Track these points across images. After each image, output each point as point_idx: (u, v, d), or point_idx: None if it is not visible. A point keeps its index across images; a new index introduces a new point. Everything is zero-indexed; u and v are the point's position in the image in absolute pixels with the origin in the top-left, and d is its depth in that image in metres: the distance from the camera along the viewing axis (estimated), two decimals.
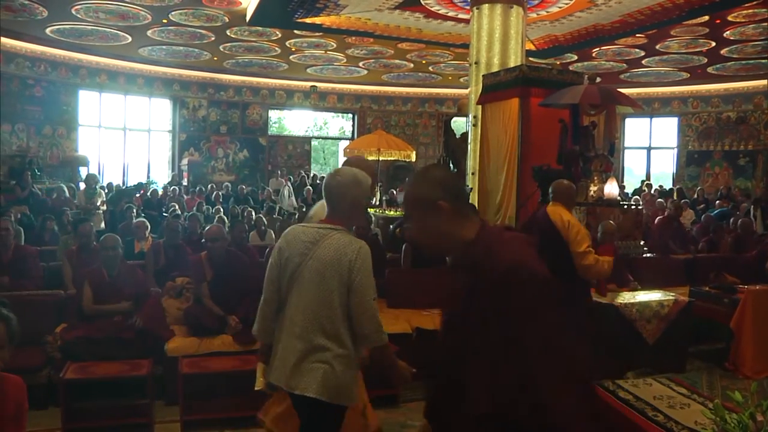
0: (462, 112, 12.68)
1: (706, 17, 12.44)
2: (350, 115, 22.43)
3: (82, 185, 13.13)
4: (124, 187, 15.04)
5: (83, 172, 15.74)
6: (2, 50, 14.69)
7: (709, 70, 17.22)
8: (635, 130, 21.34)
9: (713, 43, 14.49)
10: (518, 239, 2.01)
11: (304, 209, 12.17)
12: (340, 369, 2.67)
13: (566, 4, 12.02)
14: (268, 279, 2.81)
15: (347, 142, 20.08)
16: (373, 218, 10.50)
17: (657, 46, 15.08)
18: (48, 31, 14.45)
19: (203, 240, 5.65)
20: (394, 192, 16.24)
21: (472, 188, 10.19)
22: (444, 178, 2.02)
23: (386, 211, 12.16)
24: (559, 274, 4.46)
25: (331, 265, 2.66)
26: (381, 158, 15.84)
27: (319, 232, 2.75)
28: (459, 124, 13.48)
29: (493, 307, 1.83)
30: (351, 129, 22.55)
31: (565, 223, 4.49)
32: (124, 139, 18.74)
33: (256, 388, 3.13)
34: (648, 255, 7.45)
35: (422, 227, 1.99)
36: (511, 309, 1.82)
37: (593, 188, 7.58)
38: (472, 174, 10.31)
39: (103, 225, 10.00)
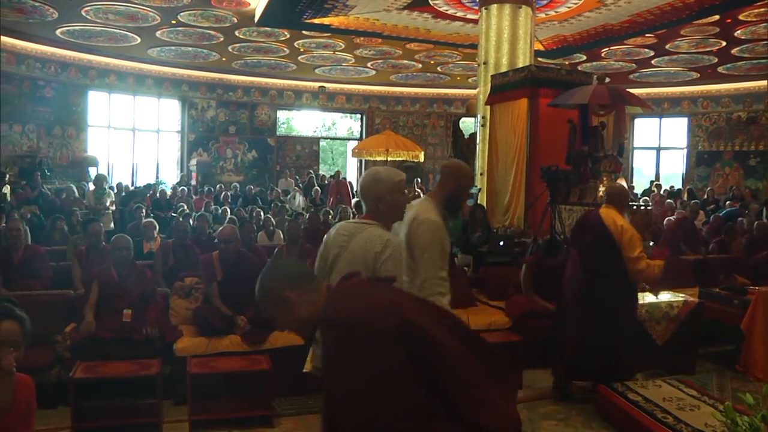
0: (470, 113, 12.66)
1: (717, 16, 12.36)
2: (358, 116, 22.45)
3: (91, 185, 13.20)
4: (134, 188, 15.09)
5: (92, 172, 15.81)
6: (13, 52, 14.84)
7: (720, 69, 17.13)
8: (644, 130, 21.25)
9: (724, 43, 14.40)
10: (353, 287, 2.06)
11: (312, 209, 12.19)
12: None
13: (575, 4, 11.99)
14: (317, 269, 3.00)
15: (355, 143, 20.08)
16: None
17: (667, 46, 15.01)
18: (58, 32, 14.53)
19: (216, 240, 5.66)
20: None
21: (480, 189, 10.18)
22: (285, 268, 2.11)
23: None
24: (609, 275, 4.52)
25: (359, 257, 2.80)
26: (389, 159, 15.87)
27: (355, 226, 2.95)
28: (467, 124, 13.48)
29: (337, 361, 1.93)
30: (359, 129, 22.56)
31: (619, 228, 4.61)
32: (133, 139, 18.82)
33: (304, 370, 3.23)
34: None
35: (282, 320, 2.07)
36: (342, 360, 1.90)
37: (602, 189, 7.55)
38: (481, 174, 10.29)
39: (112, 225, 10.04)
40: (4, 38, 14.34)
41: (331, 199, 16.12)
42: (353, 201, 15.60)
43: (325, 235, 3.06)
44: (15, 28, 14.09)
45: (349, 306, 1.94)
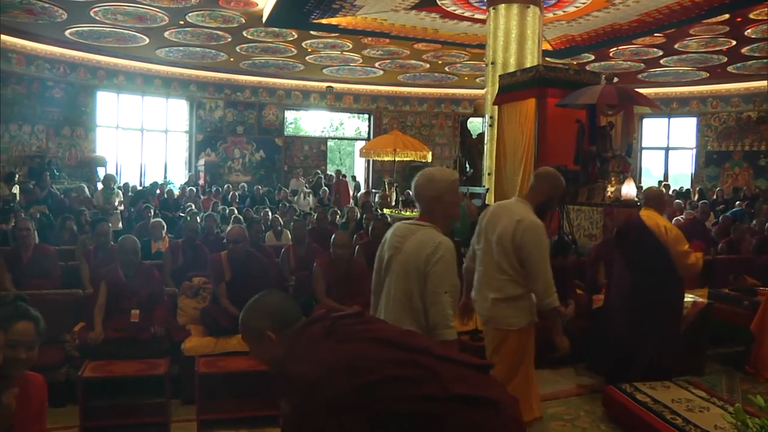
0: (478, 113, 12.65)
1: (727, 15, 12.29)
2: (366, 116, 22.46)
3: (100, 185, 13.26)
4: (142, 188, 15.14)
5: (101, 172, 15.89)
6: (23, 53, 14.93)
7: (729, 69, 17.03)
8: (653, 130, 21.17)
9: (734, 42, 14.32)
10: (315, 342, 2.00)
11: (320, 209, 12.18)
12: None
13: (583, 3, 11.95)
14: (375, 270, 3.08)
15: (363, 143, 20.08)
16: (389, 219, 10.50)
17: (675, 46, 14.94)
18: (67, 33, 14.61)
19: (225, 240, 5.66)
20: (410, 193, 16.24)
21: (488, 189, 10.16)
22: (271, 306, 2.11)
23: (402, 212, 12.15)
24: (656, 275, 4.65)
25: (412, 258, 2.84)
26: (397, 159, 15.85)
27: (409, 228, 2.96)
28: (475, 124, 13.45)
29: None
30: (367, 129, 22.57)
31: (662, 228, 4.74)
32: (142, 139, 18.89)
33: None
34: None
35: (257, 353, 2.11)
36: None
37: (610, 189, 7.53)
38: (489, 174, 10.28)
39: (120, 225, 10.08)
40: (13, 39, 14.47)
41: (331, 198, 16.14)
42: (359, 197, 15.64)
43: (384, 237, 3.11)
44: (24, 29, 14.18)
45: (300, 370, 1.91)
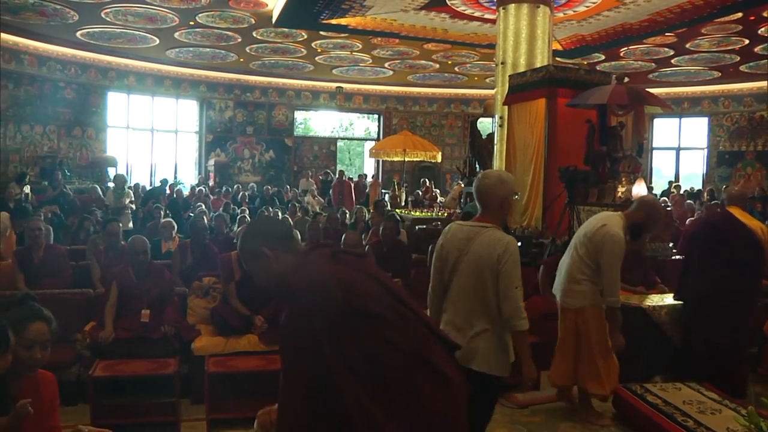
0: (488, 113, 12.60)
1: (740, 14, 12.18)
2: (376, 116, 22.46)
3: (111, 185, 13.32)
4: (151, 188, 15.21)
5: (111, 172, 15.97)
6: (35, 54, 15.04)
7: (742, 68, 16.89)
8: (664, 130, 21.05)
9: (746, 41, 14.20)
10: (321, 258, 2.13)
11: (328, 210, 12.21)
12: (496, 346, 3.08)
13: (593, 3, 11.89)
14: (434, 269, 3.25)
15: (373, 143, 20.08)
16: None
17: (687, 45, 14.85)
18: (78, 34, 14.69)
19: (235, 240, 5.67)
20: (420, 193, 16.21)
21: None
22: (266, 226, 2.32)
23: (412, 212, 12.13)
24: (741, 273, 4.76)
25: (484, 259, 3.04)
26: (407, 159, 15.84)
27: (472, 230, 3.15)
28: (485, 124, 13.41)
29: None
30: (376, 130, 22.57)
31: (756, 226, 4.92)
32: (152, 140, 18.98)
33: None
34: (677, 257, 7.33)
35: (256, 273, 2.19)
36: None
37: (621, 189, 7.48)
38: None
39: (131, 225, 10.12)
40: (26, 41, 14.59)
41: (334, 199, 16.01)
42: (373, 201, 15.52)
43: (441, 237, 3.28)
44: (37, 30, 14.28)
45: (302, 278, 2.04)
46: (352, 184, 16.98)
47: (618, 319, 4.14)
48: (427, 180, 17.87)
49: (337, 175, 17.78)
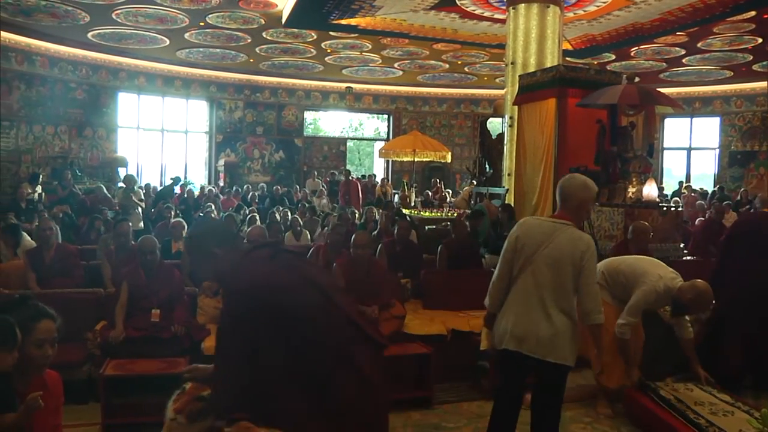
0: (498, 113, 12.58)
1: (753, 12, 12.07)
2: (385, 116, 22.47)
3: (121, 185, 13.39)
4: (162, 188, 15.27)
5: (122, 172, 16.06)
6: (46, 55, 15.14)
7: (755, 67, 16.74)
8: (675, 130, 20.93)
9: (760, 40, 14.07)
10: (259, 260, 2.34)
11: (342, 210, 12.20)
12: (571, 337, 3.23)
13: (604, 3, 11.84)
14: (504, 260, 3.36)
15: (382, 143, 20.08)
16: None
17: (699, 44, 14.75)
18: (89, 35, 14.78)
19: (245, 241, 5.68)
20: (429, 193, 16.20)
21: (508, 189, 10.11)
22: (216, 228, 2.54)
23: (421, 213, 12.11)
24: None
25: (567, 254, 3.19)
26: (416, 159, 15.82)
27: (554, 225, 3.29)
28: (495, 125, 13.39)
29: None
30: (386, 130, 22.58)
31: None
32: (162, 140, 19.06)
33: (481, 348, 4.13)
34: (688, 258, 7.29)
35: (201, 269, 2.46)
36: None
37: (632, 190, 7.45)
38: (509, 175, 10.22)
39: (141, 225, 10.16)
40: (38, 42, 14.71)
41: (341, 199, 15.88)
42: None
43: (515, 230, 3.39)
44: (48, 32, 14.38)
45: (237, 281, 2.24)
46: (360, 184, 16.89)
47: (601, 336, 3.83)
48: (437, 180, 17.85)
49: (343, 176, 17.72)
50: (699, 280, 4.29)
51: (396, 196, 15.93)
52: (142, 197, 11.93)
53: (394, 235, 6.99)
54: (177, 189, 15.06)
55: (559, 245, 3.20)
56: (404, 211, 11.69)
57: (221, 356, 2.27)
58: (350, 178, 17.16)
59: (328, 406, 2.15)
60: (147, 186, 14.65)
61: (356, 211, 11.81)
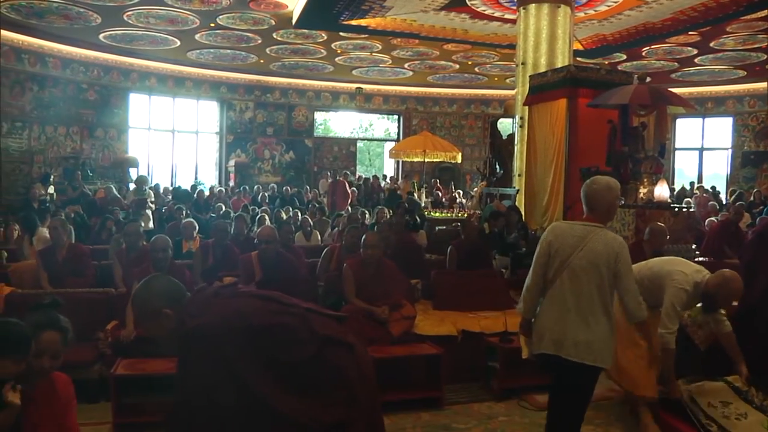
0: (508, 114, 12.55)
1: (766, 11, 11.96)
2: (396, 117, 22.46)
3: (132, 186, 13.46)
4: (175, 188, 15.31)
5: (133, 173, 16.14)
6: (59, 57, 15.25)
7: None
8: (686, 130, 20.79)
9: None
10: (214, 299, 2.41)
11: (349, 209, 12.19)
12: (608, 338, 3.24)
13: (615, 2, 11.79)
14: (538, 265, 3.35)
15: (392, 144, 20.07)
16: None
17: (711, 44, 14.65)
18: (101, 36, 14.87)
19: (256, 241, 5.69)
20: (439, 194, 16.18)
21: (518, 190, 10.08)
22: (163, 287, 2.43)
23: (431, 213, 12.10)
24: None
25: (602, 257, 3.21)
26: (426, 160, 15.80)
27: (585, 229, 3.29)
28: (505, 125, 13.36)
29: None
30: (396, 130, 22.57)
31: None
32: (173, 140, 19.13)
33: (523, 357, 3.88)
34: (700, 259, 7.24)
35: (153, 330, 2.45)
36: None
37: (643, 190, 7.41)
38: (519, 176, 10.20)
39: (152, 225, 10.20)
40: (50, 44, 14.82)
41: (328, 200, 15.00)
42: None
43: (547, 235, 3.39)
44: (60, 33, 14.47)
45: (203, 319, 2.28)
46: (346, 183, 15.83)
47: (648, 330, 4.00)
48: (436, 180, 17.72)
49: (331, 176, 16.71)
50: (726, 269, 4.18)
51: (424, 196, 15.67)
52: (153, 197, 11.99)
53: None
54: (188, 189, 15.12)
55: (594, 248, 3.22)
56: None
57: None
58: (338, 178, 16.11)
59: (334, 384, 2.35)
60: (156, 186, 14.70)
61: (365, 211, 11.78)
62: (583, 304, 3.22)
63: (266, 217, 9.51)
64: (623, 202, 7.37)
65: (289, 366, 2.28)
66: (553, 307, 3.28)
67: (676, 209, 7.52)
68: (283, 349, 2.29)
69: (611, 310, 3.26)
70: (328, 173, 18.55)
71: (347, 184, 15.72)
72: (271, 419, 2.22)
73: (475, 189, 14.96)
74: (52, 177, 13.26)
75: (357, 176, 19.23)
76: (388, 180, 19.38)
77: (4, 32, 13.63)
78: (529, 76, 9.90)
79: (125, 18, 13.23)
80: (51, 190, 12.46)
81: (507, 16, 12.50)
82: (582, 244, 3.24)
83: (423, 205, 14.11)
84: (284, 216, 10.55)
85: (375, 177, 19.09)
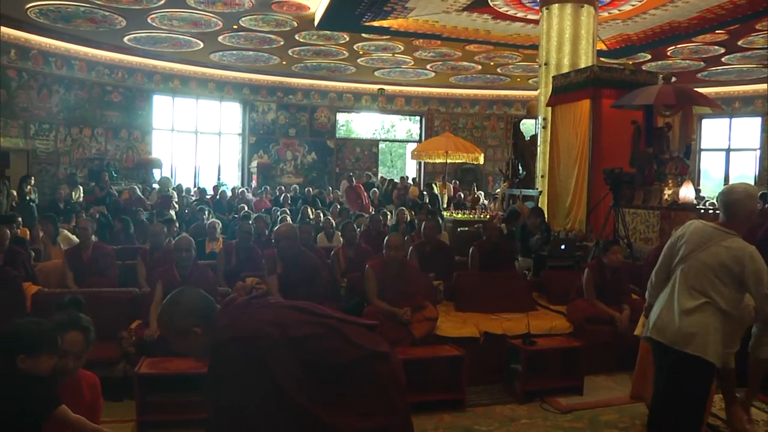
0: (531, 114, 12.48)
1: None
2: (418, 118, 22.42)
3: (156, 186, 13.60)
4: (200, 189, 15.43)
5: (156, 174, 16.30)
6: (84, 60, 15.45)
7: None
8: (713, 131, 20.48)
9: None
10: (245, 310, 2.40)
11: (372, 210, 12.19)
12: (713, 333, 3.20)
13: (639, 2, 11.66)
14: (664, 255, 3.48)
15: (415, 145, 20.05)
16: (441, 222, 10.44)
17: (739, 42, 14.41)
18: (125, 39, 15.04)
19: (273, 239, 5.70)
20: (461, 195, 16.12)
21: (541, 191, 10.02)
22: (193, 304, 2.36)
23: (453, 214, 12.05)
24: None
25: (722, 261, 3.21)
26: (449, 161, 15.76)
27: (715, 232, 3.32)
28: (528, 126, 13.28)
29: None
30: (418, 131, 22.53)
31: None
32: (196, 142, 19.28)
33: (635, 333, 4.20)
34: None
35: (182, 347, 2.39)
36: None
37: (668, 192, 7.33)
38: (542, 177, 10.14)
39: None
40: (76, 47, 15.04)
41: (351, 206, 14.35)
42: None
43: (681, 230, 3.46)
44: (86, 36, 14.67)
45: (239, 330, 2.26)
46: (361, 187, 15.68)
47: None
48: (458, 182, 17.63)
49: (347, 180, 16.21)
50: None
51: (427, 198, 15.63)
52: (176, 198, 12.10)
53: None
54: (210, 191, 15.24)
55: (716, 252, 3.24)
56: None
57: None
58: (353, 183, 15.83)
59: (364, 393, 2.36)
60: (179, 187, 14.83)
61: (388, 212, 11.77)
62: (690, 298, 3.25)
63: (287, 218, 9.55)
64: (635, 204, 7.31)
65: (326, 375, 2.30)
66: (665, 296, 3.39)
67: (702, 211, 7.41)
68: (321, 359, 2.30)
69: (723, 309, 3.22)
70: (350, 174, 18.49)
71: (362, 188, 15.66)
72: (311, 428, 2.22)
73: (498, 190, 14.88)
74: (77, 178, 13.44)
75: (379, 177, 19.20)
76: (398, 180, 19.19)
77: (33, 36, 13.91)
78: (552, 76, 9.84)
79: (149, 21, 13.38)
80: (81, 191, 12.65)
81: (530, 17, 12.43)
82: (705, 246, 3.28)
83: (445, 206, 14.07)
84: (311, 213, 10.57)
85: (402, 178, 19.05)
